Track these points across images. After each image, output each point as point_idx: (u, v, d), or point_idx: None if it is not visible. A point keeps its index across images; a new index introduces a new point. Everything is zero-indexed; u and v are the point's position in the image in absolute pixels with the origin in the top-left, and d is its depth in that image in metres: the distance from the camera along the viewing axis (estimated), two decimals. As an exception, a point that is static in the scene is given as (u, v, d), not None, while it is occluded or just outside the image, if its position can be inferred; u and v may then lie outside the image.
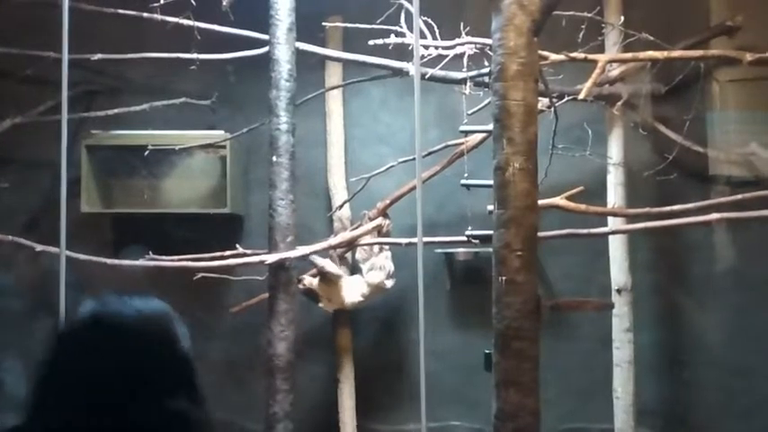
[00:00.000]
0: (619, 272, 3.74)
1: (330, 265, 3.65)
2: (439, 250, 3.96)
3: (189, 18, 3.41)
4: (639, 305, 3.79)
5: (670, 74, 3.71)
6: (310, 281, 3.65)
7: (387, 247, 3.77)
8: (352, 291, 3.73)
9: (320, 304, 3.73)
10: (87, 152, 3.95)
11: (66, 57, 2.57)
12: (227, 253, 3.53)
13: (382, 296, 3.85)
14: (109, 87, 4.20)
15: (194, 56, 3.52)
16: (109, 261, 3.44)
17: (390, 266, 3.76)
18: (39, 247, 3.51)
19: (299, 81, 3.36)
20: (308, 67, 3.73)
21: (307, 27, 3.51)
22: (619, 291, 3.73)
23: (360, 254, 3.77)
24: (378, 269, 3.74)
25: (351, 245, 3.78)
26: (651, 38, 3.41)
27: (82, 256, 3.35)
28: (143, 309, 0.99)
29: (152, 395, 0.91)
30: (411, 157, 3.70)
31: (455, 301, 4.10)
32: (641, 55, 3.41)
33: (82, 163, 3.92)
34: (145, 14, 3.51)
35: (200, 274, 3.52)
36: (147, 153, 3.81)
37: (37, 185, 4.20)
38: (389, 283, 3.77)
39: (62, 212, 2.55)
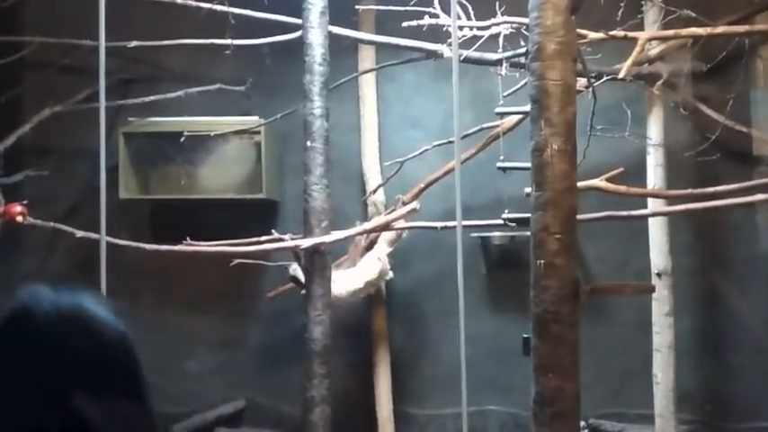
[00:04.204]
0: (659, 255, 3.67)
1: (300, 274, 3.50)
2: (474, 234, 3.94)
3: (223, 4, 3.41)
4: (680, 289, 3.72)
5: (712, 51, 3.60)
6: (294, 268, 3.53)
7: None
8: (354, 280, 3.70)
9: (303, 292, 3.50)
10: (124, 139, 4.00)
11: (103, 45, 2.59)
12: (263, 238, 3.54)
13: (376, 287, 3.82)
14: (144, 75, 4.24)
15: (228, 41, 3.53)
16: (147, 246, 3.48)
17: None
18: (79, 233, 3.57)
19: (332, 65, 3.34)
20: (341, 51, 3.71)
21: (339, 10, 3.49)
22: (659, 274, 3.66)
23: (389, 235, 3.75)
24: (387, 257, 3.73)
25: (385, 229, 3.76)
26: (693, 14, 3.31)
27: (121, 242, 3.40)
28: (66, 301, 0.92)
29: (84, 390, 0.85)
30: (447, 141, 3.68)
31: (491, 285, 4.08)
32: (683, 32, 3.32)
33: (119, 150, 3.97)
34: (179, 1, 3.52)
35: (236, 260, 3.54)
36: (182, 140, 3.84)
37: (76, 173, 4.27)
38: (391, 274, 3.77)
39: (102, 199, 2.58)
